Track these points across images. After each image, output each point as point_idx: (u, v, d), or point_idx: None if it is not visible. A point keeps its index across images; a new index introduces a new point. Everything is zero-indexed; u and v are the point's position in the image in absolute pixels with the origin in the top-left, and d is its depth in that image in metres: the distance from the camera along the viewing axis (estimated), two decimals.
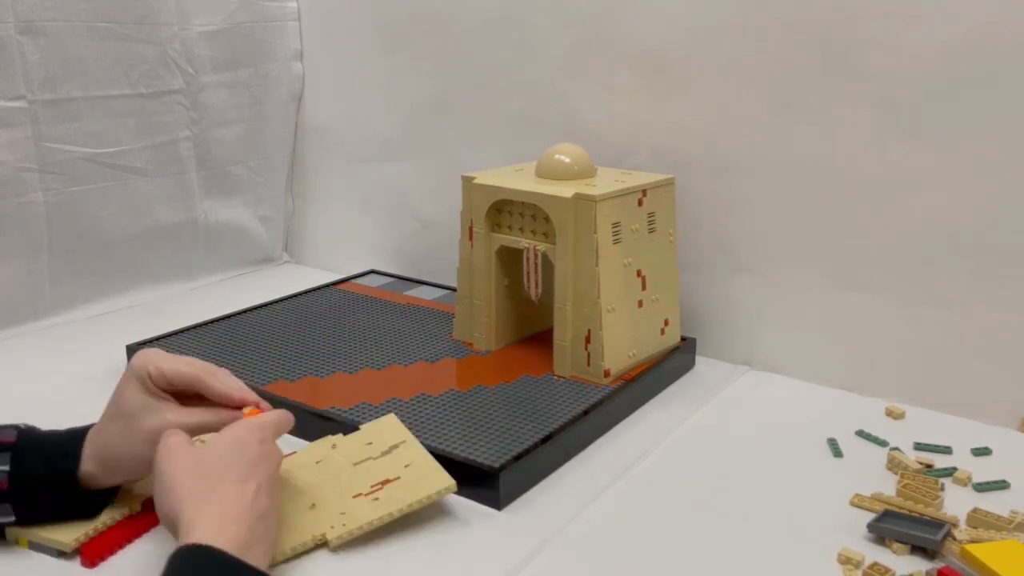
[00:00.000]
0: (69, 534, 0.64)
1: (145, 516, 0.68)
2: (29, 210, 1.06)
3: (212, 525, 0.55)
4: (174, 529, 0.57)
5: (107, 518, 0.66)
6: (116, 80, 1.12)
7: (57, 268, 1.11)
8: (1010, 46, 0.81)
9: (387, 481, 0.70)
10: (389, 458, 0.73)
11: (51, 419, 0.68)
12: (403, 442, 0.74)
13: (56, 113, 1.06)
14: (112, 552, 0.65)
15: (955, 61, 0.84)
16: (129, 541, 0.66)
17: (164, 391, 0.66)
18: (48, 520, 0.65)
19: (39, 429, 0.67)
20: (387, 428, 0.77)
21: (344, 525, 0.67)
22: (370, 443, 0.75)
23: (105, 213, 1.14)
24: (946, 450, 0.82)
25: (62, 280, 1.12)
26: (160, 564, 0.63)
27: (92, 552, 0.64)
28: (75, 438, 0.65)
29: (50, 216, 1.08)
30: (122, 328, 1.06)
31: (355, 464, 0.73)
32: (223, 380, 0.67)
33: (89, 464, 0.64)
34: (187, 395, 0.67)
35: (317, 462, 0.74)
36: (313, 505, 0.69)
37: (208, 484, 0.58)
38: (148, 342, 0.98)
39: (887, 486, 0.75)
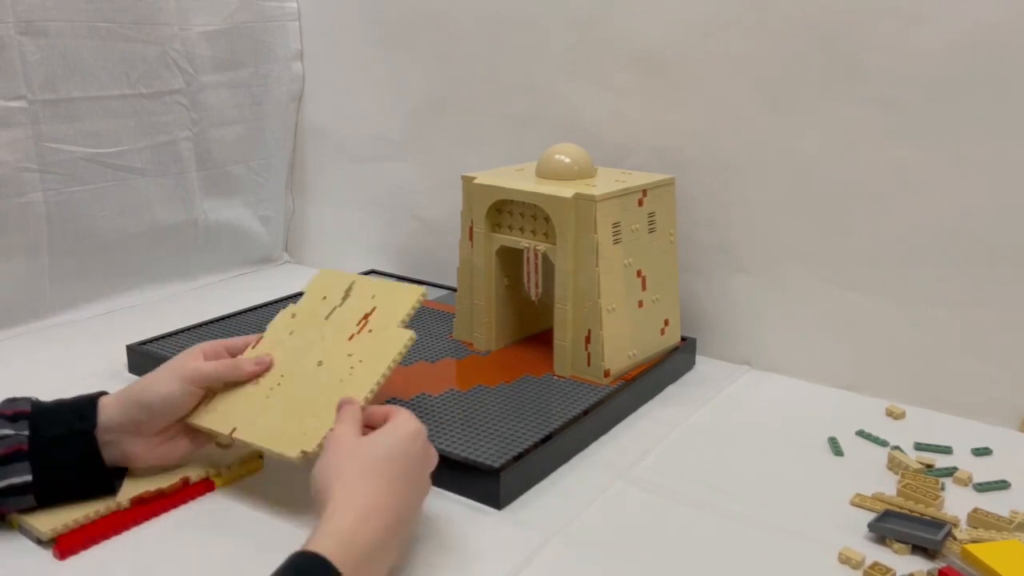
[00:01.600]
0: (49, 523, 0.64)
1: (130, 513, 0.68)
2: (29, 210, 1.06)
3: (356, 515, 0.55)
4: (320, 508, 0.57)
5: (91, 511, 0.66)
6: (116, 80, 1.12)
7: (57, 268, 1.11)
8: (1010, 46, 0.81)
9: (367, 314, 0.73)
10: (352, 299, 0.76)
11: None
12: (353, 283, 0.78)
13: (56, 113, 1.06)
14: (85, 547, 0.64)
15: (955, 61, 0.84)
16: (106, 537, 0.66)
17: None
18: (67, 487, 0.65)
19: (48, 402, 0.69)
20: (329, 279, 0.80)
21: (362, 362, 0.70)
22: (324, 297, 0.78)
23: (105, 213, 1.14)
24: (946, 450, 0.82)
25: (62, 280, 1.12)
26: (133, 564, 0.63)
27: (65, 545, 0.63)
28: (89, 402, 0.68)
29: (50, 216, 1.08)
30: (122, 328, 1.06)
31: (326, 318, 0.75)
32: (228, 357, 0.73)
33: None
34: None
35: (291, 332, 0.75)
36: (320, 363, 0.71)
37: (361, 474, 0.58)
38: (148, 342, 0.98)
39: (888, 486, 0.75)
